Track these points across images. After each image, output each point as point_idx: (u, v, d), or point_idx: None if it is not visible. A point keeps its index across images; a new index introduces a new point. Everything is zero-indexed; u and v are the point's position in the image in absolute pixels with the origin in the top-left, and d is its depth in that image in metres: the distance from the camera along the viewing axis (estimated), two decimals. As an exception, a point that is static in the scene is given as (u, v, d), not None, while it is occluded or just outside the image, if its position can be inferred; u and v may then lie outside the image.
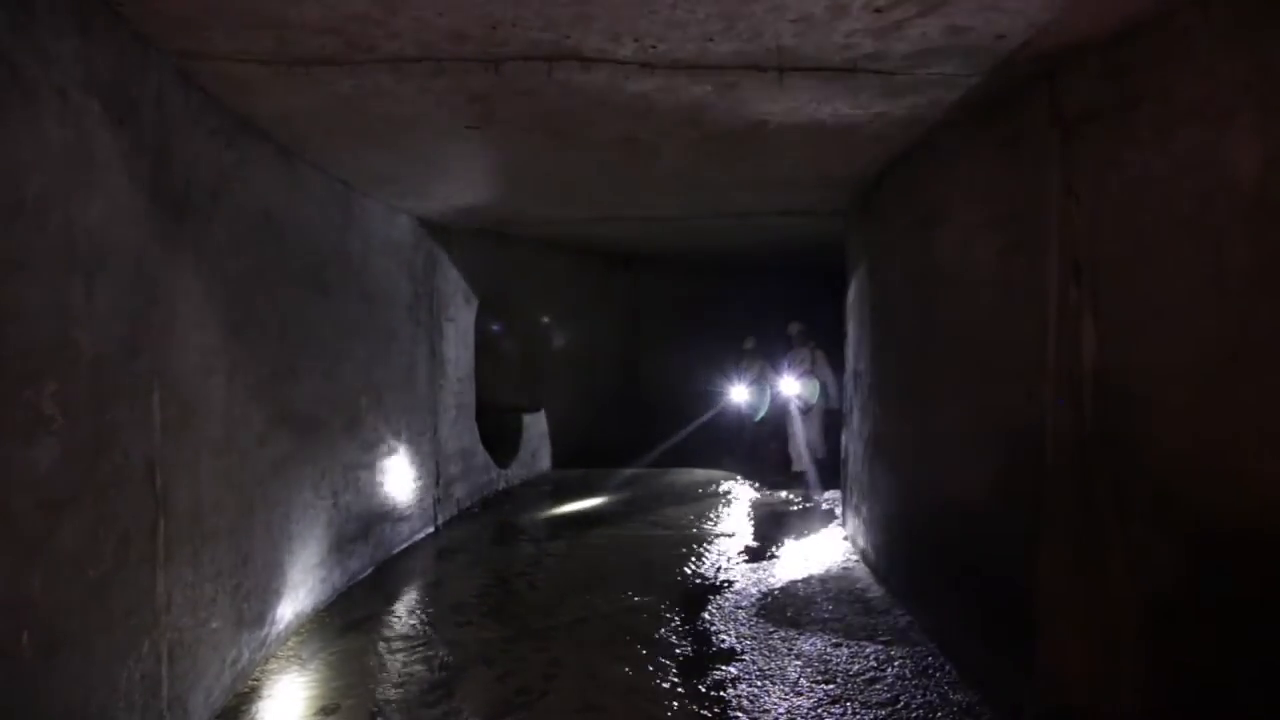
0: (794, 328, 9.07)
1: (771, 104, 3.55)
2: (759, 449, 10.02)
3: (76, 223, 2.42)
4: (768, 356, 10.06)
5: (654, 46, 2.89)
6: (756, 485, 8.68)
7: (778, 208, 6.61)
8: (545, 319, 9.81)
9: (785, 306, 10.49)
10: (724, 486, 8.60)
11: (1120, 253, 2.69)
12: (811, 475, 8.61)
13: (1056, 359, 3.01)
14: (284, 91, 3.31)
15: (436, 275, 6.94)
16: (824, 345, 8.84)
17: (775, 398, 9.42)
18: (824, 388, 8.66)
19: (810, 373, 8.75)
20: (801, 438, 8.81)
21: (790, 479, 8.74)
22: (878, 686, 3.59)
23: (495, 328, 9.14)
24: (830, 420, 8.74)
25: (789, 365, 8.96)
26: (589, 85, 3.28)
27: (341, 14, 2.60)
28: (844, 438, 6.59)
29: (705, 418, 11.22)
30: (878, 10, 2.57)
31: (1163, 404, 2.52)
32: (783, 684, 3.67)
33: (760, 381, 10.04)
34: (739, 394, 10.25)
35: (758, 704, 3.49)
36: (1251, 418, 2.20)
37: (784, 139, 4.16)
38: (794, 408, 8.86)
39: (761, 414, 10.01)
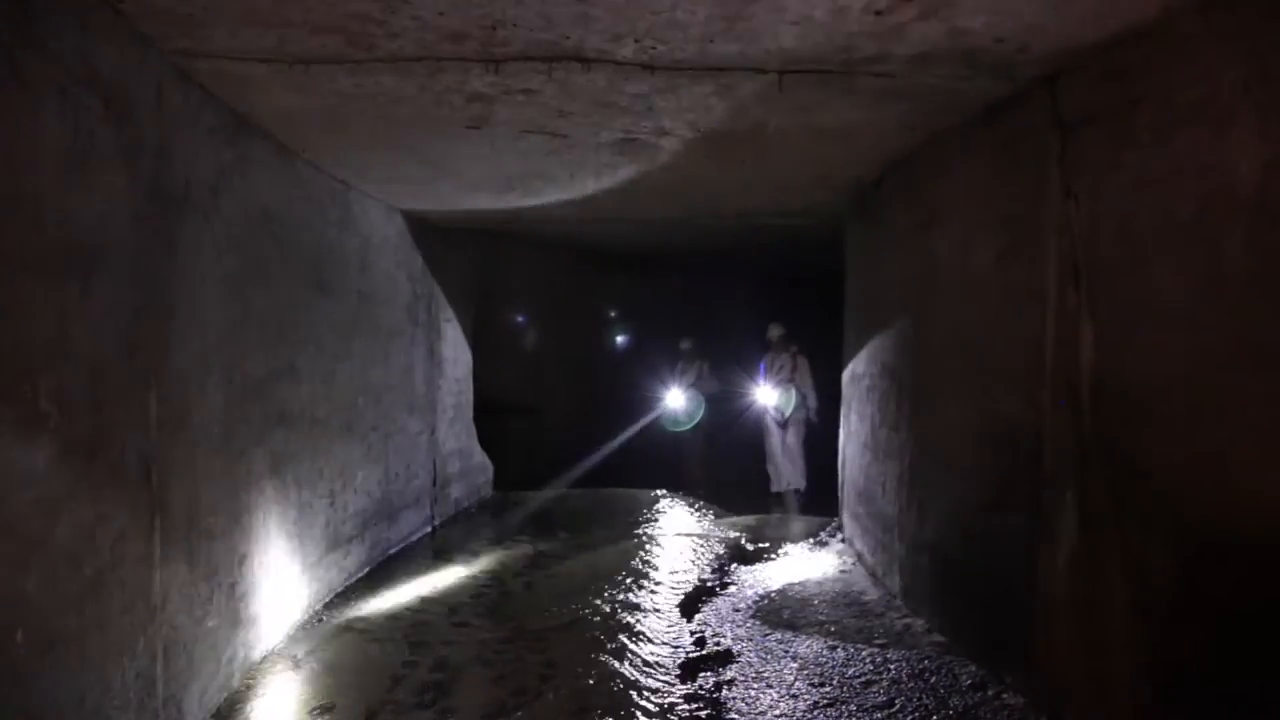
0: (774, 331, 8.20)
1: (771, 106, 3.55)
2: (689, 461, 9.32)
3: (74, 219, 2.41)
4: (706, 356, 9.43)
5: (654, 47, 2.89)
6: (715, 498, 7.99)
7: (777, 210, 6.61)
8: (544, 320, 9.80)
9: (784, 308, 10.37)
10: (718, 493, 8.54)
11: (1119, 256, 2.69)
12: (791, 497, 7.96)
13: (1055, 362, 3.01)
14: (284, 90, 3.31)
15: (435, 275, 6.93)
16: (808, 351, 8.10)
17: (749, 405, 8.52)
18: (803, 399, 7.89)
19: (791, 380, 7.95)
20: (779, 453, 8.07)
21: (770, 500, 7.96)
22: (874, 690, 3.58)
23: (494, 328, 9.12)
24: (808, 433, 8.04)
25: (765, 371, 8.12)
26: (589, 86, 3.28)
27: (342, 13, 2.59)
28: (841, 440, 6.58)
29: (636, 427, 10.03)
30: (878, 13, 2.57)
31: (1160, 408, 2.52)
32: (779, 686, 3.66)
33: (697, 385, 9.33)
34: (675, 399, 9.33)
35: (754, 706, 3.49)
36: (1249, 423, 2.20)
37: (784, 141, 4.16)
38: (770, 420, 8.04)
39: (694, 421, 9.27)
